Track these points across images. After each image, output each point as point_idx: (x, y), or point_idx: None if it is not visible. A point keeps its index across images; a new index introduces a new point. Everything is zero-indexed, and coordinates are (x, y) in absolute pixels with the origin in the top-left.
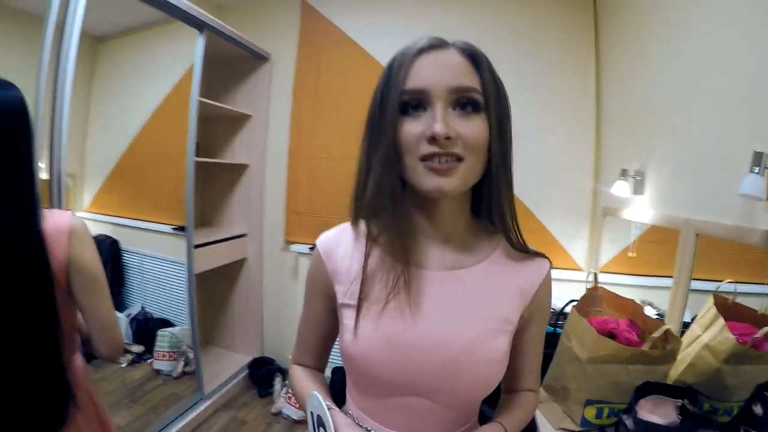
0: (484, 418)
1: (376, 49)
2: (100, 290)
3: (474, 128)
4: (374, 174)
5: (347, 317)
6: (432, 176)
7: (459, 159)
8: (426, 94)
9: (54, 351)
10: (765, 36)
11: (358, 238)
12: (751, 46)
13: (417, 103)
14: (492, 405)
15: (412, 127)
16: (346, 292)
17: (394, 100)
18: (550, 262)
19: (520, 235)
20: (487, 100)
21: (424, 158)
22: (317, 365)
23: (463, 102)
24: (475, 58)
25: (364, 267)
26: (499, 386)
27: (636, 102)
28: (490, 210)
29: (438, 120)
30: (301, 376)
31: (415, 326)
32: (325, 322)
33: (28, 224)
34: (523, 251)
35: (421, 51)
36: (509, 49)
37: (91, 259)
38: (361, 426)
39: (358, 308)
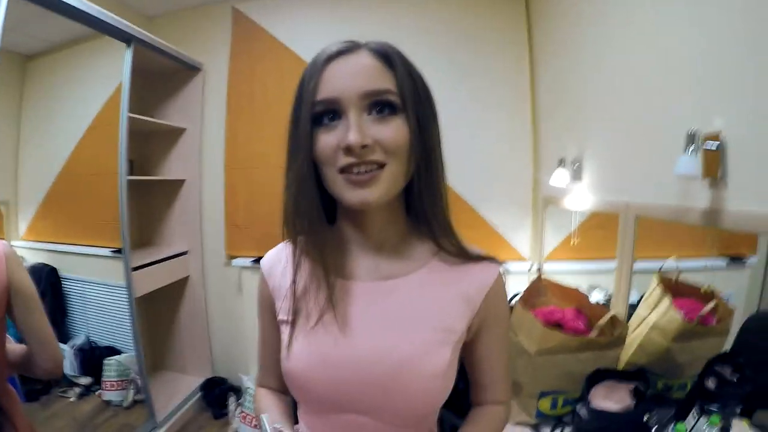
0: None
1: (310, 54)
2: (37, 309)
3: (392, 131)
4: (291, 190)
5: (284, 333)
6: (353, 189)
7: (380, 166)
8: (338, 103)
9: None
10: (694, 17)
11: (292, 255)
12: (681, 28)
13: (331, 112)
14: (456, 411)
15: (328, 139)
16: (281, 308)
17: (306, 113)
18: (501, 264)
19: (456, 238)
20: (404, 100)
21: (343, 170)
22: (280, 386)
23: (378, 107)
24: (388, 58)
25: (293, 283)
26: (464, 394)
27: (570, 88)
28: (421, 213)
29: (352, 129)
30: (260, 400)
31: (346, 341)
32: (278, 341)
33: None
34: (460, 256)
35: (330, 58)
36: (441, 42)
37: (27, 280)
38: None
39: (291, 324)
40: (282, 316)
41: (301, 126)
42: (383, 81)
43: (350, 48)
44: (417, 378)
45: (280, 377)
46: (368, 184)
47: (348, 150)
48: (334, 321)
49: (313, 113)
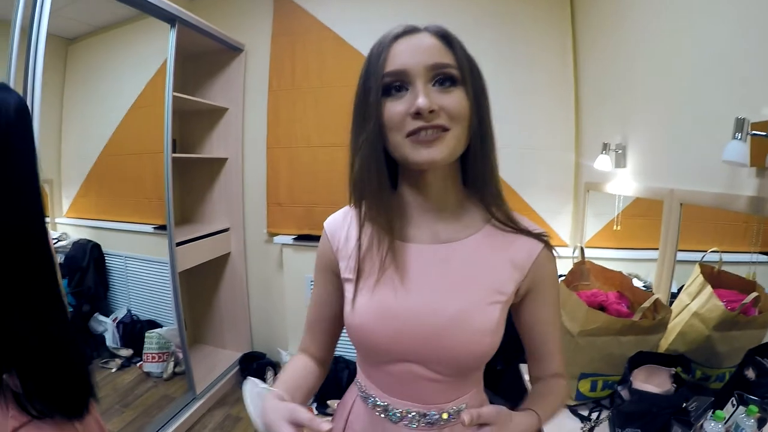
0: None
1: (351, 35)
2: None
3: (455, 99)
4: (360, 155)
5: (348, 291)
6: (420, 148)
7: (445, 129)
8: (406, 74)
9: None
10: (742, 1)
11: (357, 218)
12: (728, 12)
13: (399, 84)
14: (494, 390)
15: (396, 106)
16: (346, 267)
17: (376, 85)
18: (548, 238)
19: (505, 205)
20: (463, 75)
21: (410, 134)
22: (321, 354)
23: (441, 78)
24: (447, 39)
25: (359, 243)
26: (496, 370)
27: (614, 75)
28: (475, 180)
29: (420, 95)
30: (289, 364)
31: (406, 297)
32: (331, 302)
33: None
34: (509, 223)
35: (397, 37)
36: (487, 30)
37: None
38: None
39: (356, 281)
40: (347, 274)
41: (371, 96)
42: (445, 56)
43: (413, 29)
44: (466, 332)
45: (322, 342)
46: (434, 144)
47: (417, 114)
48: (395, 279)
49: (382, 85)
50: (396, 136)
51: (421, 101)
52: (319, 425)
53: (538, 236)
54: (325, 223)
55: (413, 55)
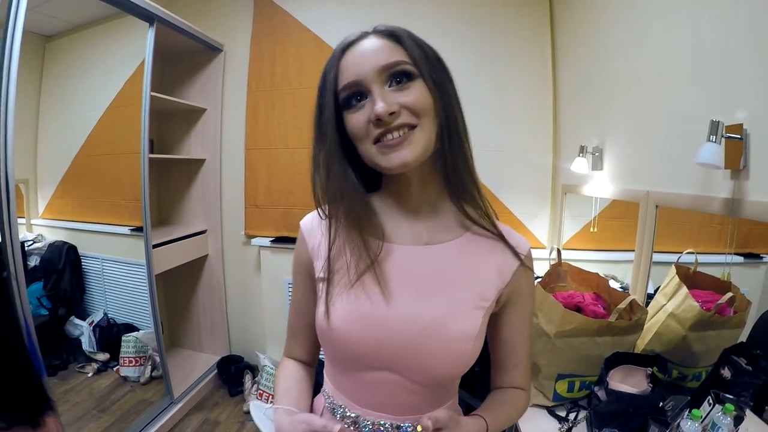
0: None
1: (331, 37)
2: None
3: (414, 95)
4: (319, 171)
5: (321, 291)
6: (389, 153)
7: (411, 127)
8: (359, 84)
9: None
10: (718, 6)
11: (331, 218)
12: (705, 17)
13: (357, 94)
14: (472, 392)
15: (358, 117)
16: (321, 267)
17: (330, 100)
18: (529, 243)
19: (483, 203)
20: (417, 66)
21: (377, 140)
22: (307, 357)
23: (396, 77)
24: (394, 36)
25: (330, 242)
26: (480, 376)
27: (592, 78)
28: (447, 178)
29: (377, 101)
30: (280, 373)
31: (383, 300)
32: (311, 306)
33: None
34: (483, 223)
35: (344, 49)
36: (466, 33)
37: None
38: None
39: (330, 282)
40: (321, 274)
41: (325, 113)
42: (395, 54)
43: (360, 37)
44: (448, 339)
45: (307, 347)
46: (403, 146)
47: (378, 121)
48: (374, 281)
49: (341, 99)
50: (364, 146)
51: (379, 107)
52: (332, 428)
53: (515, 252)
54: (301, 223)
55: (362, 62)
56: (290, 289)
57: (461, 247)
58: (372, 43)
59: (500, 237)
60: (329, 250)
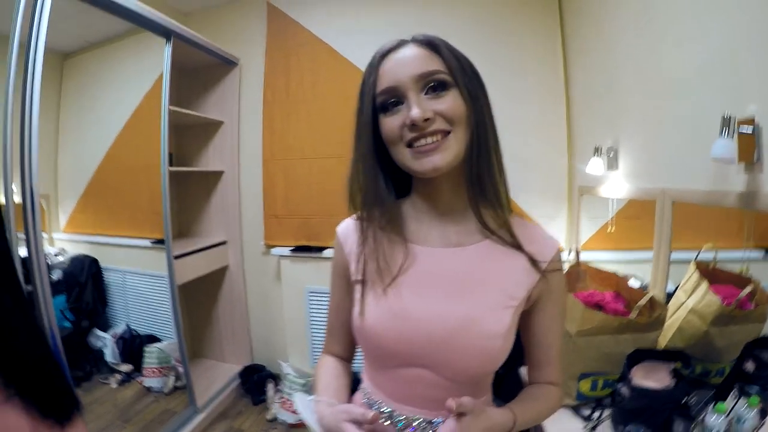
0: None
1: (344, 47)
2: None
3: (449, 103)
4: (354, 170)
5: (357, 292)
6: (422, 158)
7: (446, 134)
8: (397, 90)
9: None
10: (727, 3)
11: (364, 222)
12: (713, 14)
13: (393, 100)
14: (495, 394)
15: (393, 121)
16: (356, 269)
17: (369, 104)
18: (559, 243)
19: (503, 214)
20: (453, 76)
21: (410, 144)
22: (344, 354)
23: (432, 85)
24: (432, 45)
25: (368, 246)
26: (503, 378)
27: (603, 79)
28: (473, 185)
29: (413, 106)
30: (320, 367)
31: (415, 300)
32: (347, 305)
33: None
34: (502, 236)
35: (384, 55)
36: (477, 38)
37: None
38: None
39: (365, 284)
40: (357, 276)
41: (364, 115)
42: (432, 64)
43: (399, 44)
44: (477, 337)
45: (345, 344)
46: (435, 152)
47: (413, 125)
48: (405, 282)
49: (379, 104)
50: (398, 149)
51: (415, 112)
52: (368, 415)
53: (533, 261)
54: (338, 229)
55: (401, 69)
56: (311, 298)
57: (490, 248)
58: (410, 51)
59: (517, 247)
60: (363, 253)
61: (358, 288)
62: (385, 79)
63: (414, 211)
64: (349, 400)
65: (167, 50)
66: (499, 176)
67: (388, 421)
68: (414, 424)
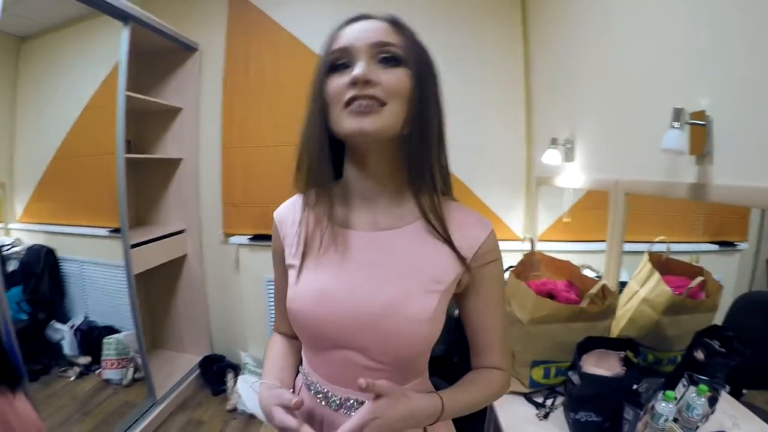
0: None
1: (306, 35)
2: None
3: (394, 76)
4: (305, 132)
5: (290, 276)
6: (353, 119)
7: (382, 104)
8: (349, 51)
9: None
10: None
11: (303, 205)
12: (669, 7)
13: (344, 61)
14: (451, 383)
15: (338, 80)
16: (289, 253)
17: (323, 65)
18: (491, 226)
19: (437, 200)
20: (407, 57)
21: (347, 104)
22: (292, 332)
23: (385, 57)
24: (396, 24)
25: (300, 229)
26: (453, 363)
27: (563, 71)
28: (410, 167)
29: (358, 65)
30: (268, 348)
31: (340, 283)
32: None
33: None
34: (433, 224)
35: (347, 23)
36: (438, 26)
37: None
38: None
39: (297, 268)
40: (289, 260)
41: (318, 76)
42: (391, 37)
43: (365, 16)
44: (402, 320)
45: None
46: (367, 116)
47: (353, 83)
48: (332, 265)
49: (329, 63)
50: (335, 110)
51: (358, 70)
52: (291, 401)
53: (485, 220)
54: (275, 213)
55: (358, 34)
56: (270, 286)
57: (418, 231)
58: (372, 23)
59: (443, 238)
60: (296, 236)
61: (292, 273)
62: (341, 40)
63: (344, 194)
64: (294, 379)
65: (125, 34)
66: (437, 162)
67: (324, 402)
68: (347, 404)
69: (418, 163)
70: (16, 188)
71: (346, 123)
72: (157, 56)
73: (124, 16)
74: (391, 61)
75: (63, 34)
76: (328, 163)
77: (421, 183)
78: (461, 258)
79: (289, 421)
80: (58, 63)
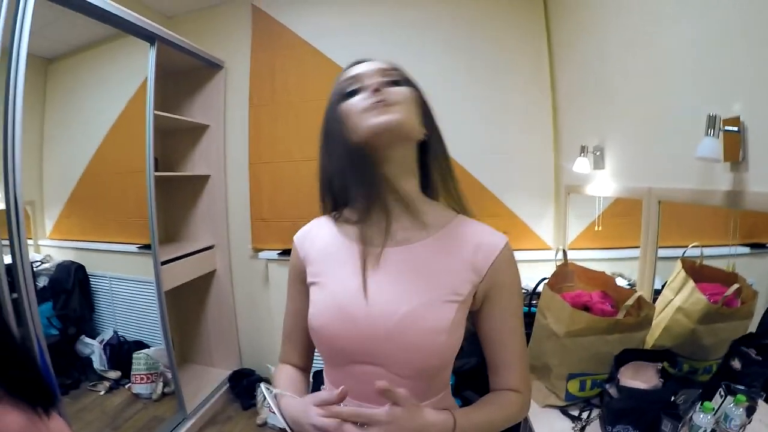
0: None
1: (329, 49)
2: None
3: (401, 89)
4: (328, 151)
5: (313, 293)
6: (376, 114)
7: (392, 104)
8: (360, 77)
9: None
10: (713, 3)
11: (325, 226)
12: (700, 12)
13: (356, 87)
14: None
15: (352, 100)
16: (311, 272)
17: (334, 95)
18: (507, 239)
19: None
20: (409, 82)
21: (365, 110)
22: (302, 363)
23: (391, 80)
24: (397, 66)
25: (323, 248)
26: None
27: (589, 78)
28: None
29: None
30: (277, 374)
31: (360, 298)
32: (305, 313)
33: None
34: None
35: (353, 64)
36: (463, 37)
37: None
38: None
39: (319, 284)
40: (312, 278)
41: (331, 105)
42: (393, 68)
43: (367, 59)
44: (420, 333)
45: (302, 352)
46: (388, 110)
47: (369, 90)
48: (351, 281)
49: (342, 91)
50: (354, 119)
51: (370, 80)
52: (334, 394)
53: (500, 234)
54: (294, 237)
55: (366, 67)
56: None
57: (433, 245)
58: (376, 61)
59: (483, 231)
60: (318, 254)
61: (313, 290)
62: (352, 71)
63: (361, 211)
64: None
65: (151, 54)
66: (452, 178)
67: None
68: None
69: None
70: (46, 205)
71: (370, 120)
72: (183, 74)
73: (150, 37)
74: (395, 83)
75: (89, 54)
76: (361, 174)
77: (441, 192)
78: (477, 271)
79: (328, 422)
80: (85, 83)
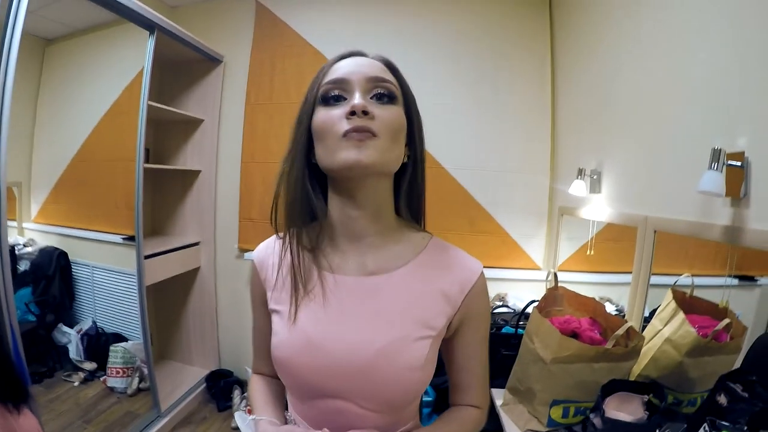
0: None
1: (330, 50)
2: None
3: (389, 113)
4: (287, 164)
5: (275, 322)
6: (350, 148)
7: (374, 135)
8: (346, 83)
9: None
10: (717, 33)
11: (282, 246)
12: (704, 44)
13: (338, 94)
14: None
15: (331, 111)
16: (271, 298)
17: (312, 95)
18: (482, 267)
19: (421, 216)
20: (401, 93)
21: (345, 134)
22: (272, 371)
23: (380, 93)
24: (389, 64)
25: (282, 273)
26: None
27: (591, 101)
28: (410, 203)
29: (357, 98)
30: (252, 386)
31: (328, 331)
32: (269, 332)
33: None
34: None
35: (341, 58)
36: (466, 54)
37: None
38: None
39: (280, 313)
40: (272, 305)
41: (305, 107)
42: (385, 74)
43: (359, 53)
44: (393, 369)
45: (272, 363)
46: (362, 146)
47: (352, 114)
48: (318, 312)
49: (321, 93)
50: (328, 141)
51: (357, 101)
52: None
53: (475, 260)
54: (253, 255)
55: (355, 68)
56: None
57: (407, 275)
58: (367, 59)
59: (458, 258)
60: (278, 280)
61: (275, 318)
62: (336, 73)
63: (329, 234)
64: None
65: (150, 43)
66: (423, 200)
67: None
68: None
69: (417, 199)
70: (33, 188)
71: (344, 154)
72: (181, 66)
73: (150, 25)
74: (384, 97)
75: (88, 38)
76: (313, 199)
77: (411, 219)
78: (452, 302)
79: None
80: (82, 67)
